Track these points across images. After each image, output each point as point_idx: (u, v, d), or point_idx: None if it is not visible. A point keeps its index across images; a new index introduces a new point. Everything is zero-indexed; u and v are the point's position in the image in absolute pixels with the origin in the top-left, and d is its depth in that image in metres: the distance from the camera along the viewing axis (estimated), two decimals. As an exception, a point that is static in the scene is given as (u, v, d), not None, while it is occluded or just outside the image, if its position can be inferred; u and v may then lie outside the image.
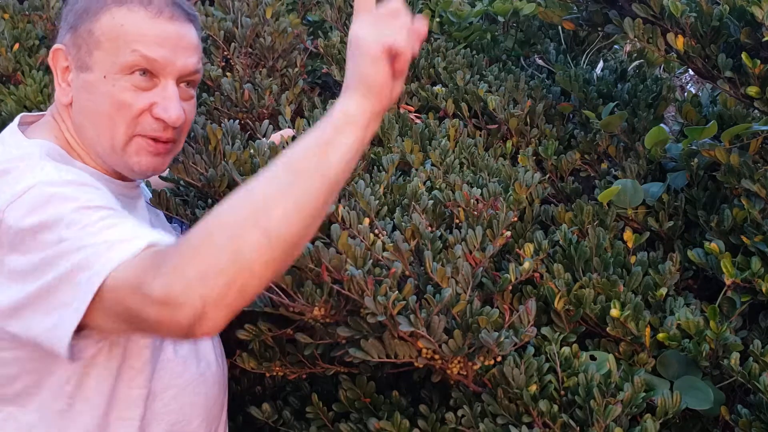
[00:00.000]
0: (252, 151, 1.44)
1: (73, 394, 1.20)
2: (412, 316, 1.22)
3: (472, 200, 1.46)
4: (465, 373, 1.32)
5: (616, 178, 1.80)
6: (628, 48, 2.83)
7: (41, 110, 2.03)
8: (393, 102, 1.08)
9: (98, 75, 1.25)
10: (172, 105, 1.26)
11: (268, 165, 1.02)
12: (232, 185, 1.41)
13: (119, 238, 1.04)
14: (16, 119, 1.31)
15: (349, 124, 1.02)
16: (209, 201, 1.50)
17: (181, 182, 1.47)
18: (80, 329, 1.05)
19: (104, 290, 1.01)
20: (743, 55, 1.56)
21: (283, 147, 1.60)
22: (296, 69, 2.12)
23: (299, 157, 1.01)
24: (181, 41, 1.28)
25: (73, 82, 1.28)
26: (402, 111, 1.96)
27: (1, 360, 1.18)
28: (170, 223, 1.51)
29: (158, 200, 1.45)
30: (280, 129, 1.73)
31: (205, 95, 1.99)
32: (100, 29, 1.25)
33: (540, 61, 2.31)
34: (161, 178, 1.51)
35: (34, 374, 1.18)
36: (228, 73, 2.06)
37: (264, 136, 1.61)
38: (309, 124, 1.64)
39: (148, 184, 1.52)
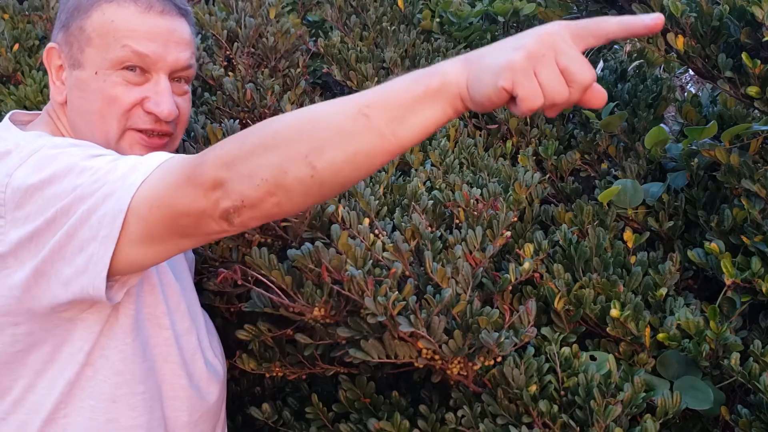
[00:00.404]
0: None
1: (84, 365, 1.19)
2: (412, 317, 1.22)
3: (472, 200, 1.46)
4: (465, 373, 1.32)
5: (616, 178, 1.80)
6: (628, 48, 2.83)
7: (41, 110, 2.03)
8: (485, 110, 0.99)
9: (90, 72, 1.25)
10: (164, 99, 1.27)
11: (351, 96, 0.99)
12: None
13: (133, 165, 1.06)
14: (7, 116, 1.31)
15: (441, 97, 0.95)
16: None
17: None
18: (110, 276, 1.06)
19: (131, 209, 1.02)
20: (743, 55, 1.56)
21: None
22: (298, 69, 2.12)
23: (379, 106, 0.95)
24: (172, 36, 1.28)
25: (67, 80, 1.28)
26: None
27: (15, 337, 1.17)
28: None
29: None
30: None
31: (207, 95, 1.99)
32: (91, 26, 1.26)
33: (540, 61, 2.31)
34: None
35: (46, 347, 1.18)
36: (230, 73, 2.06)
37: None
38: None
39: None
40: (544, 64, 0.92)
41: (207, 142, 1.44)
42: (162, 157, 1.07)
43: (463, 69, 0.96)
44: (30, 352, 1.18)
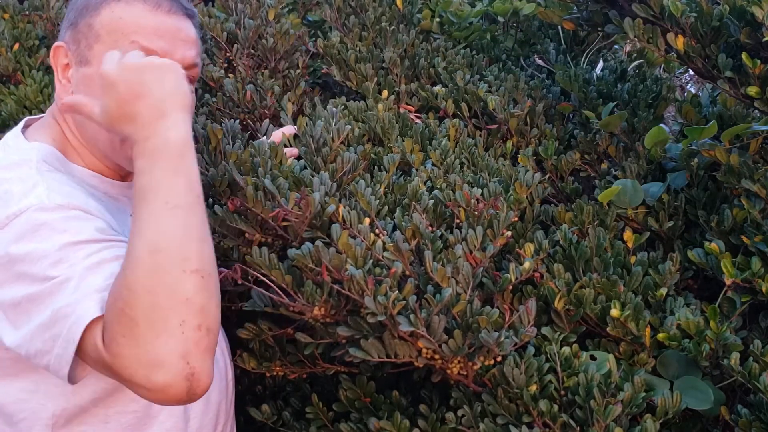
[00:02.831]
0: (252, 150, 1.44)
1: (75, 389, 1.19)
2: (412, 316, 1.22)
3: (472, 200, 1.46)
4: (465, 373, 1.32)
5: (616, 178, 1.80)
6: (628, 48, 2.83)
7: (41, 110, 2.03)
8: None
9: (97, 68, 1.24)
10: None
11: (141, 207, 1.05)
12: (232, 185, 1.41)
13: (92, 286, 1.04)
14: (22, 122, 1.32)
15: (180, 149, 1.09)
16: (209, 200, 1.50)
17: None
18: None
19: (82, 347, 1.02)
20: (743, 55, 1.56)
21: (285, 145, 1.60)
22: (298, 70, 2.12)
23: (173, 194, 1.05)
24: (179, 33, 1.29)
25: (73, 78, 1.28)
26: (402, 111, 1.96)
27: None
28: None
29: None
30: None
31: (207, 96, 1.99)
32: (99, 23, 1.26)
33: (540, 61, 2.31)
34: None
35: (33, 372, 1.18)
36: (230, 74, 2.06)
37: (264, 135, 1.61)
38: (311, 122, 1.63)
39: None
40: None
41: (207, 142, 1.44)
42: (105, 298, 1.04)
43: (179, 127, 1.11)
44: (11, 383, 1.19)
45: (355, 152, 1.57)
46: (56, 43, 1.30)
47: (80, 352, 1.03)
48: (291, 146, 1.63)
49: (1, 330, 1.10)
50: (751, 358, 1.37)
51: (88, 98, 1.16)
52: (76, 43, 1.28)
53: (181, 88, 1.12)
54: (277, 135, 1.64)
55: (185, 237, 1.02)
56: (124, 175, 1.35)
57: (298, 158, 1.59)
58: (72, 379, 1.06)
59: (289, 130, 1.66)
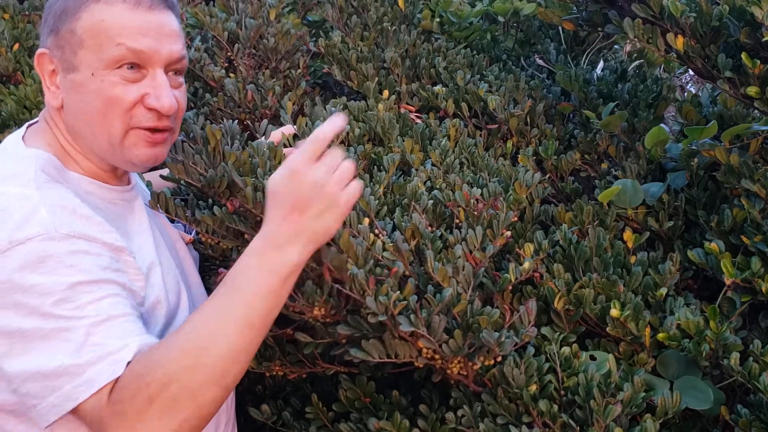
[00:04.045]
0: (251, 151, 1.44)
1: None
2: (412, 316, 1.22)
3: (472, 200, 1.46)
4: (465, 373, 1.32)
5: (616, 178, 1.80)
6: (628, 48, 2.83)
7: (41, 110, 2.03)
8: None
9: (86, 73, 1.24)
10: (164, 93, 1.26)
11: (222, 303, 1.11)
12: (231, 186, 1.41)
13: (106, 345, 1.07)
14: (24, 127, 1.32)
15: (299, 266, 1.16)
16: (209, 201, 1.50)
17: (182, 182, 1.47)
18: None
19: (80, 406, 1.06)
20: (743, 55, 1.56)
21: (285, 145, 1.60)
22: (299, 70, 2.12)
23: (258, 318, 1.11)
24: (163, 29, 1.28)
25: (62, 85, 1.27)
26: (402, 111, 1.96)
27: None
28: (172, 223, 1.51)
29: (157, 202, 1.45)
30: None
31: (208, 96, 1.99)
32: (81, 27, 1.24)
33: (540, 61, 2.31)
34: (162, 177, 1.51)
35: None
36: (231, 74, 2.06)
37: (263, 135, 1.61)
38: (311, 122, 1.63)
39: (149, 185, 1.52)
40: (322, 197, 1.16)
41: (206, 143, 1.44)
42: (130, 349, 1.08)
43: (302, 249, 1.15)
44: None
45: (355, 152, 1.57)
46: (39, 51, 1.29)
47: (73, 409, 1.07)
48: (290, 146, 1.63)
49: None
50: (751, 358, 1.37)
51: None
52: (60, 49, 1.26)
53: (331, 230, 1.18)
54: (276, 135, 1.64)
55: (238, 355, 1.09)
56: (120, 175, 1.34)
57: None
58: (48, 425, 1.10)
59: (288, 130, 1.66)
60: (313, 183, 1.15)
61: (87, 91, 1.24)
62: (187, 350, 1.06)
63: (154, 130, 1.28)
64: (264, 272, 1.12)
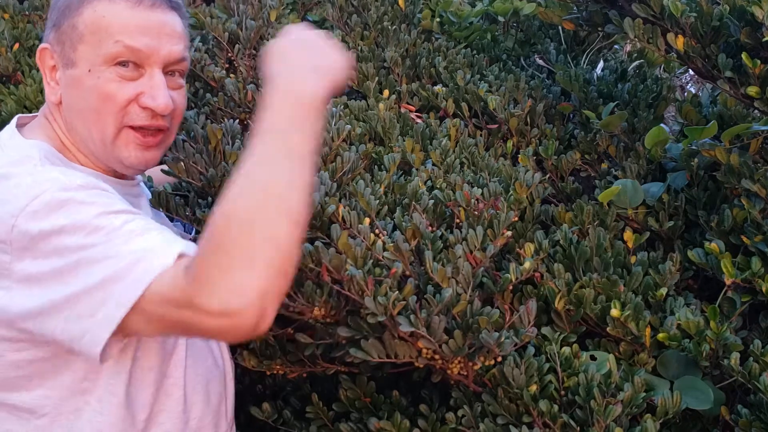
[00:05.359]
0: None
1: (86, 392, 1.20)
2: (412, 317, 1.22)
3: (472, 200, 1.46)
4: (465, 373, 1.32)
5: (616, 178, 1.80)
6: (628, 48, 2.83)
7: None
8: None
9: (83, 69, 1.24)
10: (160, 93, 1.26)
11: (262, 144, 1.06)
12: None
13: (149, 247, 1.04)
14: (14, 120, 1.31)
15: (325, 99, 1.12)
16: (209, 200, 1.50)
17: (183, 180, 1.47)
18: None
19: (142, 303, 1.02)
20: (743, 55, 1.56)
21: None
22: (298, 70, 2.12)
23: (301, 143, 1.06)
24: (163, 29, 1.27)
25: (61, 80, 1.27)
26: (403, 111, 1.96)
27: (18, 362, 1.17)
28: (171, 222, 1.51)
29: (158, 200, 1.45)
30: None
31: (208, 96, 1.99)
32: (82, 23, 1.24)
33: (540, 61, 2.31)
34: (163, 171, 1.51)
35: (50, 374, 1.18)
36: (231, 75, 2.06)
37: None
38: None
39: (150, 180, 1.52)
40: (323, 39, 1.21)
41: (207, 142, 1.44)
42: (177, 246, 1.05)
43: (320, 80, 1.13)
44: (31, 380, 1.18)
45: (356, 151, 1.57)
46: (41, 46, 1.29)
47: (128, 316, 1.03)
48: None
49: (31, 300, 1.08)
50: (751, 358, 1.37)
51: None
52: (61, 44, 1.26)
53: (342, 65, 1.18)
54: None
55: (294, 185, 1.03)
56: (118, 175, 1.34)
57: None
58: (103, 354, 1.06)
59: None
60: (311, 32, 1.20)
61: (83, 87, 1.25)
62: (246, 193, 1.01)
63: (146, 131, 1.27)
64: (292, 103, 1.08)
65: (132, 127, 1.26)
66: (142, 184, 1.47)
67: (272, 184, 1.02)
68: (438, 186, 1.59)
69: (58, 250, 1.06)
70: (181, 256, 1.03)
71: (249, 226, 0.98)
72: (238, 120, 1.60)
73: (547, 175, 1.84)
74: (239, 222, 0.99)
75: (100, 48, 1.23)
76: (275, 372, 1.48)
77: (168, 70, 1.29)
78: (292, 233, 1.01)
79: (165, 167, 1.48)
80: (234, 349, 1.49)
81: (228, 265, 0.97)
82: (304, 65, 1.13)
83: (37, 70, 2.24)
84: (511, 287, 1.43)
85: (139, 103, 1.26)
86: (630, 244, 1.59)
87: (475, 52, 2.30)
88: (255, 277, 0.97)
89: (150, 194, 1.46)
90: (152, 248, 1.04)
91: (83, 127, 1.26)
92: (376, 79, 2.07)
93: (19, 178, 1.13)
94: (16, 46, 2.33)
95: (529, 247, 1.49)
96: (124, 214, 1.09)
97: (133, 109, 1.26)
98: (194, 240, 1.51)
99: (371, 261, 1.28)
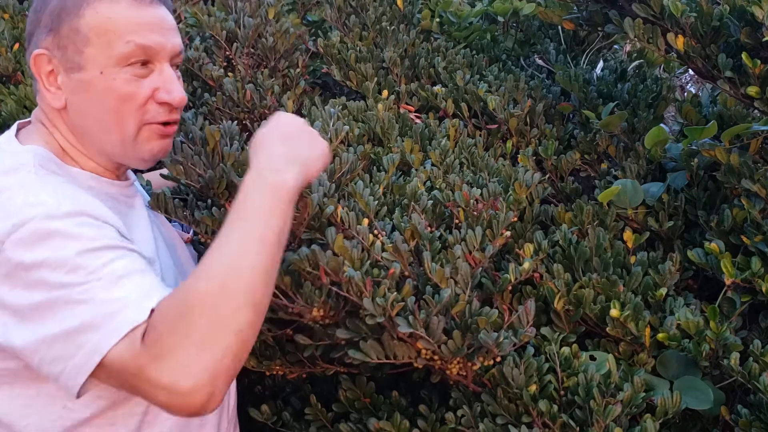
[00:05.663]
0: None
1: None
2: (411, 317, 1.22)
3: (471, 200, 1.46)
4: (464, 373, 1.32)
5: (616, 178, 1.80)
6: (628, 48, 2.83)
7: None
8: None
9: (94, 72, 1.24)
10: (174, 87, 1.28)
11: (233, 227, 1.11)
12: (230, 187, 1.41)
13: (126, 297, 1.06)
14: (14, 126, 1.31)
15: (297, 190, 1.18)
16: (208, 202, 1.50)
17: (182, 182, 1.47)
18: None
19: (108, 357, 1.03)
20: (743, 55, 1.55)
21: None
22: (298, 70, 2.12)
23: (271, 231, 1.11)
24: (164, 23, 1.28)
25: (65, 85, 1.26)
26: (402, 111, 1.96)
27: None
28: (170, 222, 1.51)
29: (157, 202, 1.45)
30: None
31: (206, 95, 1.99)
32: (86, 26, 1.23)
33: (540, 61, 2.31)
34: (162, 176, 1.51)
35: (36, 379, 1.17)
36: (230, 74, 2.06)
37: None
38: (309, 123, 1.63)
39: (148, 185, 1.52)
40: (307, 131, 1.29)
41: (205, 144, 1.44)
42: (153, 297, 1.07)
43: (297, 172, 1.20)
44: (12, 386, 1.18)
45: (355, 152, 1.57)
46: (37, 51, 1.26)
47: (98, 365, 1.04)
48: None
49: (10, 332, 1.09)
50: (751, 358, 1.37)
51: None
52: (62, 49, 1.24)
53: (319, 160, 1.26)
54: None
55: (258, 270, 1.07)
56: (120, 173, 1.34)
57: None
58: (80, 392, 1.07)
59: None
60: (297, 122, 1.28)
61: (97, 90, 1.24)
62: (212, 276, 1.05)
63: (165, 123, 1.29)
64: (266, 193, 1.14)
65: (151, 123, 1.28)
66: (136, 183, 1.47)
67: (237, 270, 1.06)
68: (437, 186, 1.59)
69: (39, 284, 1.07)
70: (153, 312, 1.05)
71: (211, 311, 1.02)
72: (236, 120, 1.60)
73: (547, 175, 1.84)
74: (201, 305, 1.02)
75: (110, 49, 1.23)
76: (275, 373, 1.47)
77: (171, 64, 1.30)
78: (253, 321, 1.05)
79: (164, 171, 1.48)
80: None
81: (184, 343, 1.00)
82: (283, 155, 1.20)
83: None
84: (510, 287, 1.43)
85: (155, 99, 1.27)
86: (630, 244, 1.59)
87: (474, 52, 2.30)
88: (210, 360, 1.00)
89: (146, 195, 1.46)
90: (129, 299, 1.06)
91: (100, 130, 1.26)
92: (375, 79, 2.07)
93: (10, 192, 1.13)
94: (16, 46, 2.33)
95: (529, 248, 1.49)
96: (108, 251, 1.10)
97: (151, 106, 1.27)
98: (192, 240, 1.51)
99: (369, 262, 1.28)
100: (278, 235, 1.12)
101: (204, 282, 1.04)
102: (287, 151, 1.21)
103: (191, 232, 1.50)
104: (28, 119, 1.35)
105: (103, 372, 1.05)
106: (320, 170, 1.26)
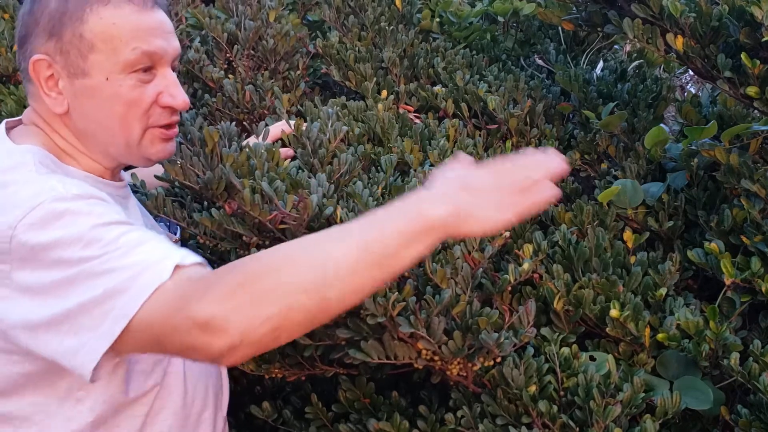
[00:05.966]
0: (249, 152, 1.44)
1: (82, 399, 1.20)
2: (411, 318, 1.22)
3: (471, 201, 1.46)
4: (464, 374, 1.32)
5: (616, 178, 1.80)
6: (628, 48, 2.83)
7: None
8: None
9: (99, 78, 1.24)
10: (177, 91, 1.29)
11: (350, 224, 1.05)
12: (229, 188, 1.41)
13: (147, 260, 1.04)
14: (2, 125, 1.29)
15: (435, 230, 1.03)
16: (205, 203, 1.50)
17: (176, 183, 1.47)
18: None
19: (136, 318, 1.02)
20: (743, 55, 1.55)
21: (283, 144, 1.60)
22: (298, 72, 2.12)
23: (378, 246, 1.01)
24: (165, 27, 1.29)
25: (67, 90, 1.25)
26: (401, 111, 1.96)
27: (10, 376, 1.17)
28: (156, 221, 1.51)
29: (155, 203, 1.45)
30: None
31: (207, 96, 1.99)
32: (90, 31, 1.23)
33: (540, 61, 2.31)
34: (156, 177, 1.51)
35: (43, 385, 1.18)
36: (230, 75, 2.06)
37: (260, 136, 1.60)
38: (309, 123, 1.63)
39: (142, 185, 1.52)
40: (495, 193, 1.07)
41: (203, 145, 1.44)
42: (173, 258, 1.05)
43: (448, 213, 1.03)
44: (24, 391, 1.18)
45: (354, 152, 1.57)
46: (36, 57, 1.24)
47: (124, 329, 1.02)
48: (288, 146, 1.62)
49: (31, 313, 1.08)
50: (750, 358, 1.37)
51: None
52: (65, 54, 1.23)
53: (485, 223, 1.05)
54: (275, 129, 1.64)
55: (350, 272, 1.00)
56: (116, 173, 1.35)
57: (293, 158, 1.59)
58: (93, 375, 1.06)
59: (288, 128, 1.65)
60: (511, 179, 1.08)
61: (102, 96, 1.24)
62: (300, 248, 1.02)
63: (168, 126, 1.31)
64: (402, 214, 1.03)
65: (155, 127, 1.29)
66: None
67: (323, 257, 1.00)
68: (437, 187, 1.58)
69: (57, 263, 1.06)
70: (177, 267, 1.04)
71: (276, 275, 0.99)
72: (236, 121, 1.60)
73: (547, 176, 1.84)
74: (270, 265, 1.00)
75: (116, 56, 1.23)
76: (274, 375, 1.47)
77: (171, 66, 1.31)
78: (309, 308, 0.99)
79: (158, 172, 1.48)
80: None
81: (233, 294, 0.97)
82: (449, 193, 1.06)
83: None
84: (510, 288, 1.43)
85: (159, 103, 1.28)
86: (629, 244, 1.59)
87: (474, 52, 2.30)
88: (251, 317, 0.97)
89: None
90: (150, 261, 1.04)
91: (105, 134, 1.27)
92: (374, 79, 2.07)
93: (16, 186, 1.13)
94: (16, 46, 2.32)
95: (528, 248, 1.49)
96: (120, 225, 1.10)
97: (155, 110, 1.28)
98: (181, 242, 1.51)
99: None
100: (391, 255, 1.01)
101: (284, 249, 1.03)
102: (456, 191, 1.06)
103: (178, 233, 1.50)
104: (15, 119, 1.34)
105: (128, 336, 1.03)
106: (477, 234, 1.08)
